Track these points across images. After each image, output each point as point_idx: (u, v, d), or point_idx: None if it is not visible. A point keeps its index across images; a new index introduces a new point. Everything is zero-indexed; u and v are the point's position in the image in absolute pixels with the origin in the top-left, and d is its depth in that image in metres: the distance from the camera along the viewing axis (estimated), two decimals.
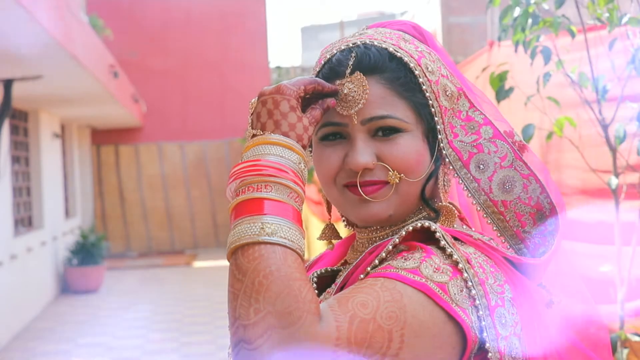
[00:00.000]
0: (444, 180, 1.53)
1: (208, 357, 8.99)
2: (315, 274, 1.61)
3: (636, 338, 3.62)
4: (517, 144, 1.55)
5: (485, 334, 1.32)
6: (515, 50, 3.99)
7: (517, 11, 3.85)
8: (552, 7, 3.89)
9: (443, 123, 1.51)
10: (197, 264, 17.35)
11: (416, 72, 1.49)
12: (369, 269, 1.38)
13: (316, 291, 1.52)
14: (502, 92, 4.07)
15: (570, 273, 1.59)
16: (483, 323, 1.32)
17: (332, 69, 1.52)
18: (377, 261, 1.39)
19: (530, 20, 3.80)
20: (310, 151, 1.59)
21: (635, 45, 3.59)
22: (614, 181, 3.64)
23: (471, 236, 1.43)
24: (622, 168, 3.72)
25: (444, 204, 1.51)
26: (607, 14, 3.62)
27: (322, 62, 1.56)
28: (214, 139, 19.45)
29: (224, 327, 9.59)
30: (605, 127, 3.72)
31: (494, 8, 5.47)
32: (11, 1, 5.47)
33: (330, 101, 1.47)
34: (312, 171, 9.55)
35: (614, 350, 3.57)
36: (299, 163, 1.38)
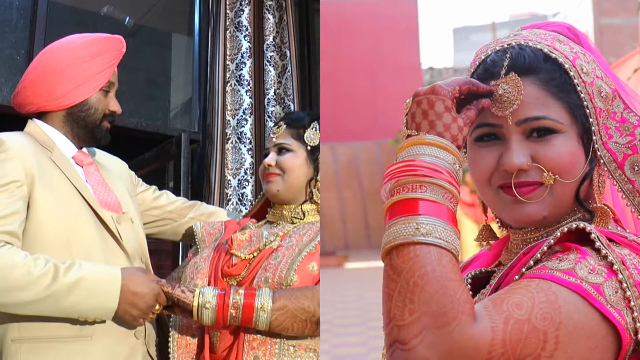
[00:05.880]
0: (598, 182, 1.52)
1: (359, 358, 9.05)
2: (470, 275, 1.61)
3: None
4: None
5: None
6: None
7: None
8: None
9: (598, 124, 1.50)
10: (349, 265, 17.47)
11: (571, 73, 1.48)
12: (523, 270, 1.38)
13: (470, 292, 1.51)
14: None
15: None
16: (638, 324, 1.30)
17: (486, 70, 1.52)
18: (531, 262, 1.39)
19: None
20: (465, 152, 1.59)
21: None
22: None
23: (626, 238, 1.41)
24: None
25: (599, 205, 1.49)
26: None
27: (477, 63, 1.56)
28: (365, 140, 19.54)
29: (375, 328, 9.66)
30: None
31: None
32: None
33: (485, 102, 1.47)
34: (463, 172, 9.47)
35: None
36: (454, 164, 1.38)
